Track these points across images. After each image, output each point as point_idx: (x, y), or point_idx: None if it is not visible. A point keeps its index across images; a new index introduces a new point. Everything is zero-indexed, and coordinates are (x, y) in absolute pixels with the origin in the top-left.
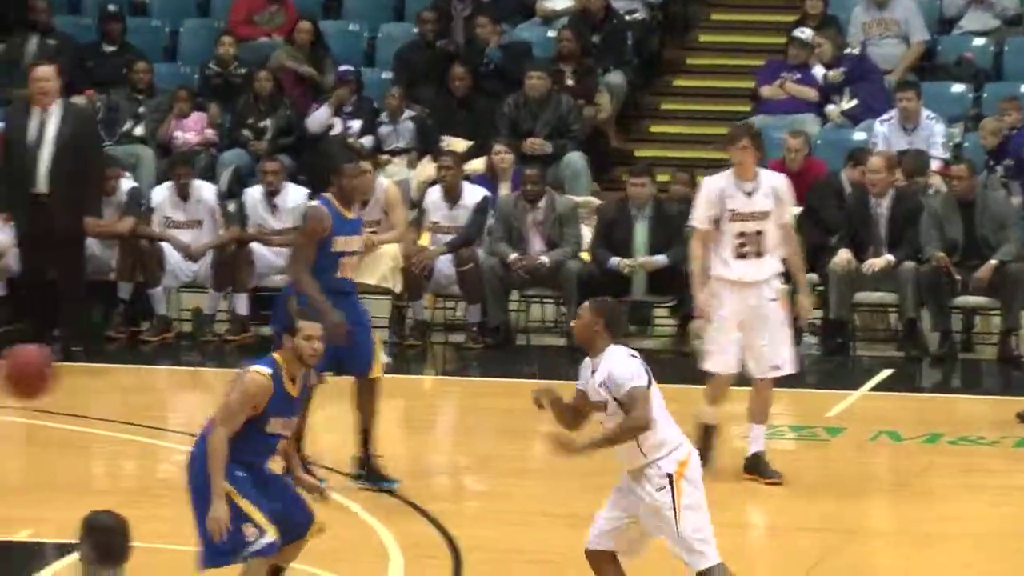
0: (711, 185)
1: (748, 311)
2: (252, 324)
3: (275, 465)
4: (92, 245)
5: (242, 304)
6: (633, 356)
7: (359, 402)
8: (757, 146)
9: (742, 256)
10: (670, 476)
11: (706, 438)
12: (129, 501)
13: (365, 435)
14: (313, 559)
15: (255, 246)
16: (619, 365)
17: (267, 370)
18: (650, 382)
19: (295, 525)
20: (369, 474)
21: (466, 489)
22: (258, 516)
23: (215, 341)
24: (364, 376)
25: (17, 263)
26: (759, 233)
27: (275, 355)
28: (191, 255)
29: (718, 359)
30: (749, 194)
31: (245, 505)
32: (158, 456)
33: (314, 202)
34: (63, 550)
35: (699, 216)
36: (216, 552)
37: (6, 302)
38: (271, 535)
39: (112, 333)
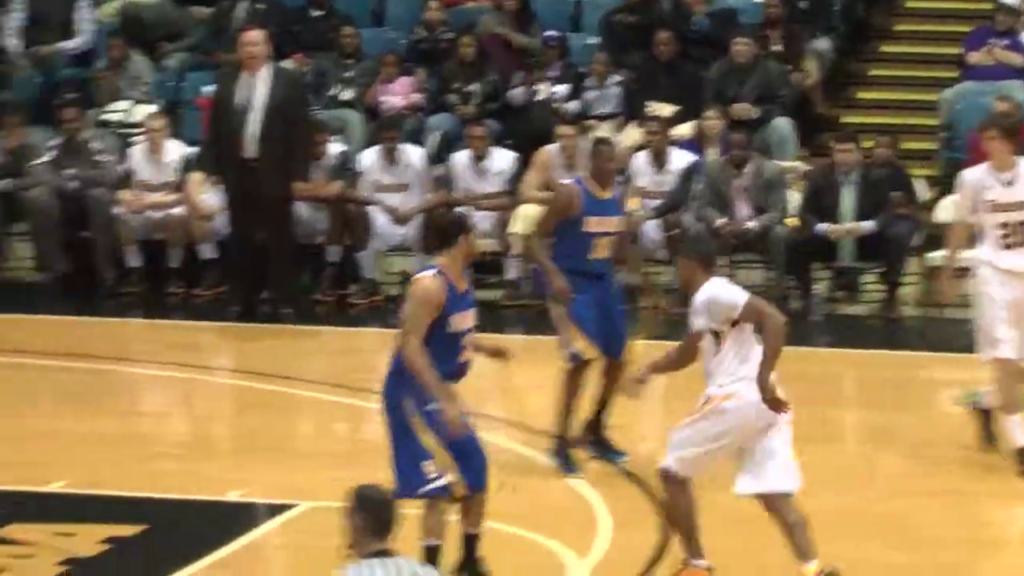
0: (968, 177)
1: (1017, 299)
2: None
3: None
4: (301, 209)
5: None
6: (728, 283)
7: (606, 375)
8: (1008, 135)
9: (1007, 247)
10: (709, 398)
11: (986, 422)
12: (337, 463)
13: (601, 406)
14: (521, 522)
15: (462, 210)
16: (721, 291)
17: (431, 272)
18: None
19: (475, 474)
20: (599, 444)
21: None
22: (441, 455)
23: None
24: (617, 360)
25: (227, 226)
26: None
27: (434, 262)
28: (399, 218)
29: (1006, 345)
30: (1009, 184)
31: (429, 442)
32: (365, 418)
33: (568, 180)
34: (273, 511)
35: (956, 208)
36: (403, 484)
37: (216, 265)
38: (450, 477)
39: (320, 296)
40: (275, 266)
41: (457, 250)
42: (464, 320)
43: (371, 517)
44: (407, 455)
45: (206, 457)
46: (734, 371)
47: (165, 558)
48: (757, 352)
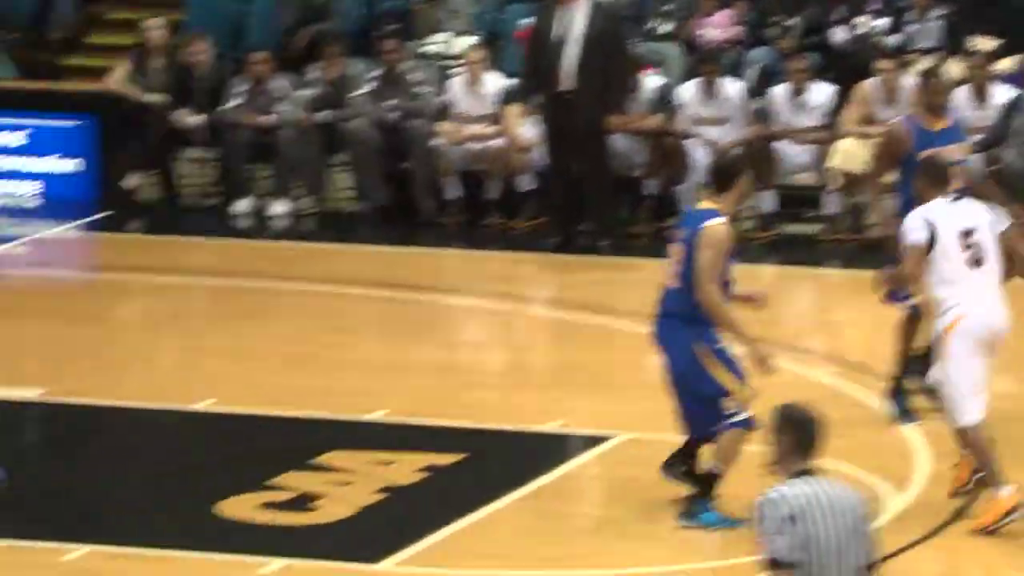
0: None
1: None
2: (777, 222)
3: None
4: (618, 141)
5: (768, 201)
6: (927, 211)
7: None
8: None
9: None
10: (942, 332)
11: None
12: (653, 395)
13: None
14: (839, 455)
15: (781, 144)
16: (911, 219)
17: (720, 220)
18: (933, 240)
19: None
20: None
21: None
22: (738, 390)
23: (741, 237)
24: None
25: (545, 158)
26: None
27: (710, 206)
28: (717, 151)
29: None
30: None
31: (725, 378)
32: None
33: (896, 118)
34: (589, 442)
35: None
36: (700, 424)
37: (534, 196)
38: (750, 411)
39: (638, 229)
40: (593, 198)
41: (736, 192)
42: (731, 268)
43: (796, 436)
44: (703, 395)
45: (523, 388)
46: (948, 295)
47: (482, 487)
48: (966, 272)
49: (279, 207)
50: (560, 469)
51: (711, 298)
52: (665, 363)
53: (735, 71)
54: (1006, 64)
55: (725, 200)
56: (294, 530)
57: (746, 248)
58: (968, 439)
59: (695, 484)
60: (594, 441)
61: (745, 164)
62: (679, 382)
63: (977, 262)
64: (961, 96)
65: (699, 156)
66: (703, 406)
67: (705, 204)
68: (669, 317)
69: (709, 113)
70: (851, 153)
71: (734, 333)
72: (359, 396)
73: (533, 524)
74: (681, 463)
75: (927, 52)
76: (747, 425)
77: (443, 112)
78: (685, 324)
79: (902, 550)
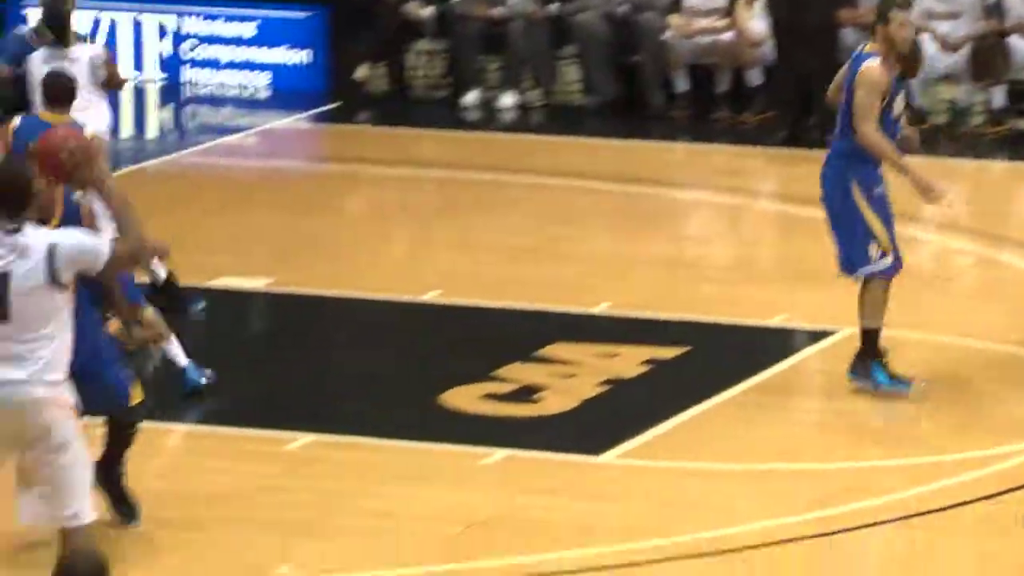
0: None
1: None
2: (1008, 117)
3: None
4: (848, 36)
5: (999, 97)
6: None
7: None
8: None
9: None
10: None
11: None
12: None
13: None
14: None
15: (1013, 39)
16: None
17: (875, 60)
18: None
19: None
20: None
21: None
22: (884, 238)
23: (970, 133)
24: None
25: (773, 52)
26: None
27: (870, 49)
28: (949, 46)
29: None
30: None
31: (875, 224)
32: (910, 247)
33: None
34: (813, 336)
35: None
36: (847, 263)
37: (764, 90)
38: (891, 259)
39: None
40: (821, 92)
41: (882, 36)
42: (898, 105)
43: None
44: (853, 235)
45: (748, 282)
46: None
47: (705, 381)
48: None
49: (508, 99)
50: (783, 363)
51: (868, 135)
52: (824, 199)
53: None
54: None
55: (880, 43)
56: (517, 421)
57: (976, 144)
58: None
59: None
60: (817, 335)
61: (887, 8)
62: (834, 219)
63: None
64: None
65: (930, 51)
66: (853, 245)
67: (867, 48)
68: (836, 157)
69: (942, 8)
70: None
71: (895, 165)
72: (584, 288)
73: (756, 418)
74: (866, 360)
75: None
76: (891, 272)
77: (674, 5)
78: (848, 165)
79: None
